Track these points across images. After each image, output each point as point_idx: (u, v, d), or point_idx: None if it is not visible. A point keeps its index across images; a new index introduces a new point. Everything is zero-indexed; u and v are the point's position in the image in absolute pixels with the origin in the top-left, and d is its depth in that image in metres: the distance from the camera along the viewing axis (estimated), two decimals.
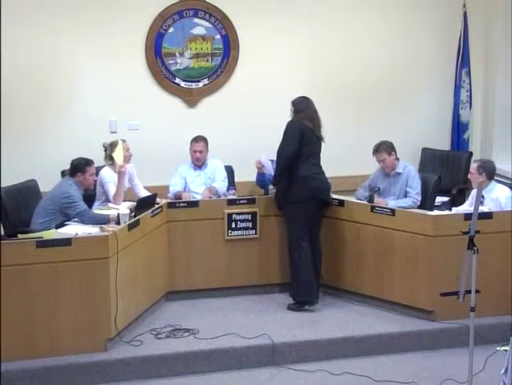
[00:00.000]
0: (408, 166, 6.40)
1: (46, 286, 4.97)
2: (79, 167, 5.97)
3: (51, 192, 5.98)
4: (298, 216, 5.89)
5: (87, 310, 5.06)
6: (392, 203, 6.04)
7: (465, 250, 4.41)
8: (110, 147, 6.34)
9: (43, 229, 5.58)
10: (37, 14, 6.80)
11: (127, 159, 6.35)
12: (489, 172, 5.98)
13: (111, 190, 6.23)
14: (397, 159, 6.31)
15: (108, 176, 6.29)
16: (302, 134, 5.87)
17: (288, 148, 5.84)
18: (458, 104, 7.80)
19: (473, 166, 6.07)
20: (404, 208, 5.94)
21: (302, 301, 5.95)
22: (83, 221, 5.71)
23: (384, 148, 6.25)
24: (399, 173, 6.28)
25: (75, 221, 5.76)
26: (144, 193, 6.38)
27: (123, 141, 6.37)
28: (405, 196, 6.18)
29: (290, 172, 5.87)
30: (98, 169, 6.23)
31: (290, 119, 6.03)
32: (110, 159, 6.34)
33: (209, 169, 6.63)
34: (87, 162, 6.02)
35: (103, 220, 5.61)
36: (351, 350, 5.41)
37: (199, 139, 6.56)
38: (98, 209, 6.07)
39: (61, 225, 5.69)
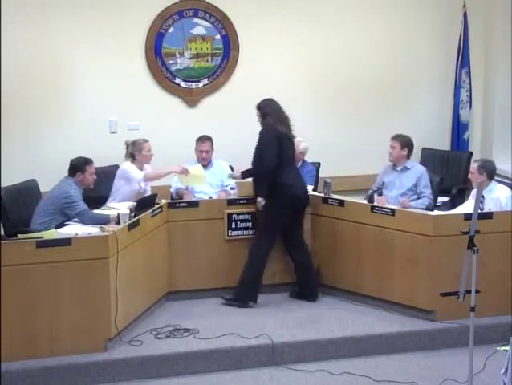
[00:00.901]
0: (418, 165, 6.47)
1: (46, 286, 4.97)
2: (78, 166, 5.97)
3: (51, 192, 5.98)
4: (273, 222, 5.88)
5: (87, 310, 5.06)
6: (412, 204, 6.05)
7: (465, 250, 4.42)
8: (132, 146, 6.36)
9: (43, 229, 5.59)
10: (37, 14, 6.80)
11: (148, 159, 6.38)
12: (489, 171, 5.98)
13: (140, 173, 6.27)
14: (408, 157, 6.36)
15: (136, 172, 6.28)
16: (279, 140, 5.84)
17: (268, 158, 5.79)
18: (458, 104, 7.80)
19: (474, 166, 6.07)
20: (422, 209, 5.98)
21: (239, 298, 5.94)
22: (83, 221, 5.72)
23: (400, 140, 6.34)
24: (407, 168, 6.33)
25: (75, 221, 5.76)
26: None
27: (146, 141, 6.37)
28: (416, 195, 6.21)
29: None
30: (97, 170, 6.22)
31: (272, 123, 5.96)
32: (131, 156, 6.36)
33: (214, 169, 6.62)
34: (87, 161, 6.02)
35: (102, 221, 5.61)
36: (351, 350, 5.41)
37: (205, 139, 6.56)
38: (101, 209, 6.06)
39: (61, 225, 5.69)
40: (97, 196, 6.29)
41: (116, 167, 6.51)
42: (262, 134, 5.91)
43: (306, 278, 6.07)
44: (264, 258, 5.93)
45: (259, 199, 5.91)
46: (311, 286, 6.09)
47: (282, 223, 5.89)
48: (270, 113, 5.95)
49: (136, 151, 6.34)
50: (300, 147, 6.63)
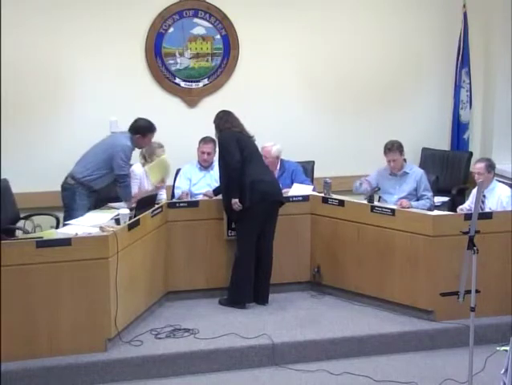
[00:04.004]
0: (415, 167, 6.44)
1: (46, 286, 4.97)
2: (142, 129, 6.11)
3: (104, 141, 6.21)
4: (246, 220, 5.85)
5: (87, 309, 5.06)
6: (413, 204, 6.05)
7: (465, 250, 4.42)
8: (147, 149, 6.33)
9: (87, 177, 5.99)
10: (37, 14, 6.80)
11: None
12: (494, 169, 5.98)
13: (134, 189, 6.24)
14: (405, 160, 6.33)
15: (137, 174, 6.28)
16: (238, 140, 5.88)
17: (233, 158, 5.79)
18: (458, 104, 7.80)
19: (480, 166, 5.97)
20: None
21: (233, 300, 5.95)
22: (119, 182, 6.04)
23: (397, 148, 6.27)
24: (406, 173, 6.30)
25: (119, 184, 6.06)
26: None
27: (161, 147, 6.34)
28: (416, 198, 6.19)
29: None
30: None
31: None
32: (143, 158, 6.36)
33: (215, 171, 6.59)
34: (152, 128, 6.15)
35: (128, 196, 6.02)
36: (351, 350, 5.41)
37: (208, 141, 6.53)
38: (101, 209, 6.05)
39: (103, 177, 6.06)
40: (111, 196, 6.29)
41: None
42: (220, 140, 5.97)
43: (260, 282, 6.00)
44: (249, 261, 5.89)
45: (234, 200, 5.83)
46: (262, 289, 6.02)
47: (257, 221, 5.86)
48: (222, 121, 5.99)
49: (147, 153, 6.33)
50: (273, 153, 6.53)
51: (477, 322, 4.61)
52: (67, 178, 6.14)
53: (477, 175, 6.00)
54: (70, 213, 5.99)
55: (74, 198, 6.04)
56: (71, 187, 6.09)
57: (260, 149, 6.44)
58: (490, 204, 5.91)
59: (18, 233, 6.16)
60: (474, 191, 6.03)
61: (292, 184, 6.53)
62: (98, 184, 6.13)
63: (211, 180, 6.57)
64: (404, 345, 5.49)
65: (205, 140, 6.55)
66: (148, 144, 6.21)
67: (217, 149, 6.19)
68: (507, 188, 6.05)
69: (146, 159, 6.34)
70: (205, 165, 6.60)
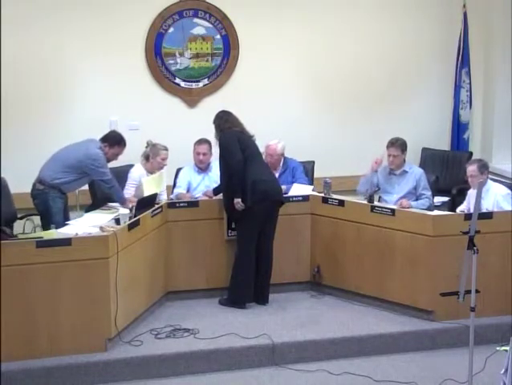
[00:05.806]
0: (414, 166, 6.44)
1: (46, 286, 4.97)
2: (111, 139, 6.10)
3: (72, 148, 6.10)
4: (246, 220, 5.85)
5: (87, 309, 5.06)
6: (413, 204, 6.05)
7: (465, 250, 4.42)
8: (151, 148, 6.33)
9: (58, 183, 5.87)
10: (37, 14, 6.80)
11: (159, 166, 6.33)
12: (488, 169, 5.96)
13: (129, 191, 6.24)
14: (404, 160, 6.33)
15: (136, 176, 6.29)
16: (239, 140, 5.88)
17: (234, 158, 5.79)
18: (458, 104, 7.81)
19: (472, 168, 5.93)
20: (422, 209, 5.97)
21: (233, 300, 5.95)
22: (107, 188, 5.99)
23: (400, 145, 6.28)
24: (405, 172, 6.30)
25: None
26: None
27: (166, 149, 6.34)
28: (415, 197, 6.19)
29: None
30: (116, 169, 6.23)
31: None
32: (145, 158, 6.36)
33: (214, 172, 6.58)
34: (121, 142, 6.12)
35: (120, 198, 5.94)
36: (351, 350, 5.41)
37: (202, 142, 6.52)
38: (101, 209, 6.05)
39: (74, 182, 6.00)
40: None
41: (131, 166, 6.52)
42: (221, 140, 5.94)
43: (260, 282, 5.99)
44: (249, 261, 5.89)
45: (236, 200, 5.81)
46: (262, 289, 6.02)
47: (257, 221, 5.85)
48: (222, 121, 5.99)
49: (151, 153, 6.32)
50: (278, 150, 6.58)
51: (477, 322, 4.61)
52: (34, 185, 6.04)
53: (470, 178, 5.95)
54: (47, 220, 5.91)
55: (47, 204, 5.96)
56: (41, 193, 5.99)
57: (264, 148, 6.45)
58: (487, 205, 5.89)
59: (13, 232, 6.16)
60: (470, 192, 6.04)
61: (293, 181, 6.55)
62: (68, 187, 6.07)
63: (210, 182, 6.54)
64: (404, 345, 5.49)
65: (200, 142, 6.54)
66: (113, 158, 6.15)
67: (217, 150, 6.18)
68: (502, 187, 6.04)
69: (149, 159, 6.34)
70: (201, 166, 6.57)
